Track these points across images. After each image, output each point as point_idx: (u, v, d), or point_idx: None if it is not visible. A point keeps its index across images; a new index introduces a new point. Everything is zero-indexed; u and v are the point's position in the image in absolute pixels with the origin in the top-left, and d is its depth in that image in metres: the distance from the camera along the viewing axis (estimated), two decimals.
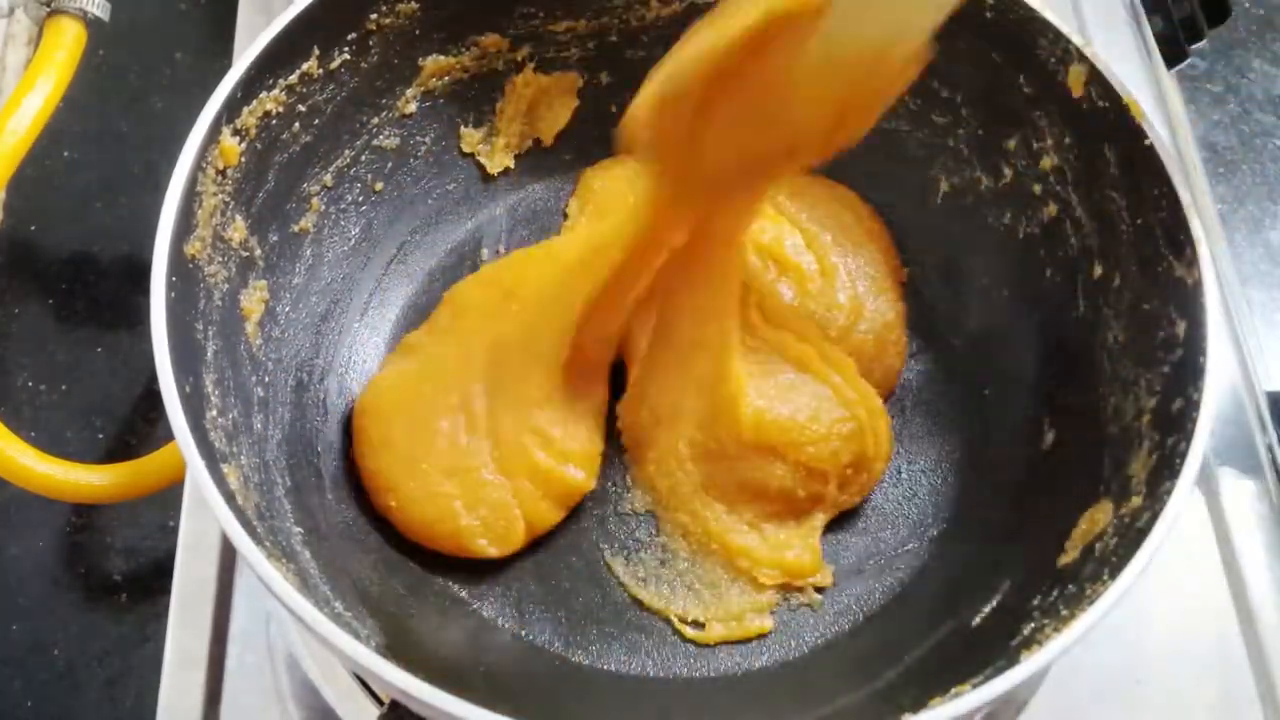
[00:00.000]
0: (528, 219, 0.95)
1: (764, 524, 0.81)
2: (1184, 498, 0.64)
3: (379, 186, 0.88)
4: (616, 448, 0.86)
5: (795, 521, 0.82)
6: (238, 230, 0.75)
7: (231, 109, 0.73)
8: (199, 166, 0.71)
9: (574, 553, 0.82)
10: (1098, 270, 0.78)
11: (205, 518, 0.86)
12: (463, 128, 0.92)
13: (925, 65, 0.76)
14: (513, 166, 0.95)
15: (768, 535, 0.81)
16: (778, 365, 0.83)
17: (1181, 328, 0.70)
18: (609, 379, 0.86)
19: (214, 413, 0.69)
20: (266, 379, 0.78)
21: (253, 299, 0.78)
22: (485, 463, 0.81)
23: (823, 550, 0.82)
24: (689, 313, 0.82)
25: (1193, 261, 0.70)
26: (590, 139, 0.95)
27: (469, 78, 0.89)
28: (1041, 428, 0.81)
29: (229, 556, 0.85)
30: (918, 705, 0.60)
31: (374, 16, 0.81)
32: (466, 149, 0.93)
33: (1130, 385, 0.73)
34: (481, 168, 0.94)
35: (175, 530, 0.87)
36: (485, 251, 0.94)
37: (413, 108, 0.87)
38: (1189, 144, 1.12)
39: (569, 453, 0.82)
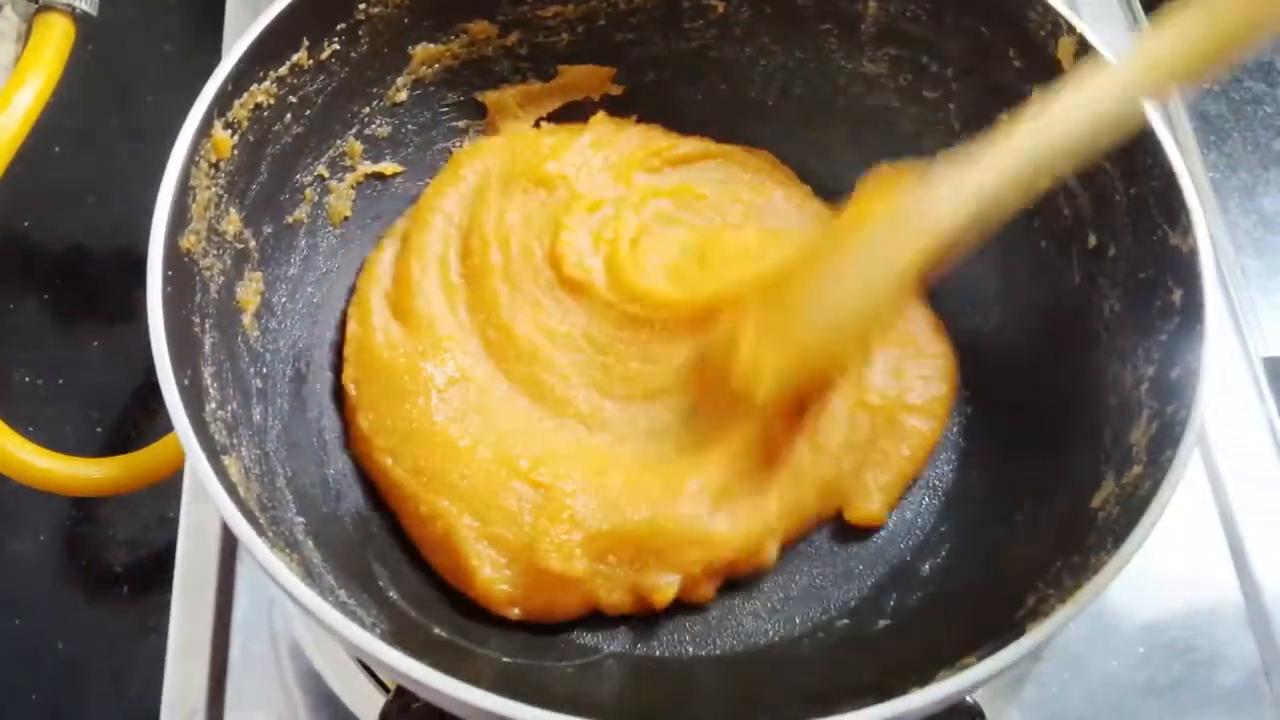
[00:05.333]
0: None
1: None
2: (1184, 465, 0.64)
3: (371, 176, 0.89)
4: None
5: None
6: (232, 223, 0.75)
7: (223, 102, 0.73)
8: (192, 160, 0.71)
9: None
10: (1092, 240, 0.78)
11: (205, 508, 0.87)
12: (455, 114, 0.92)
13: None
14: None
15: None
16: None
17: (1178, 295, 0.70)
18: None
19: (213, 405, 0.69)
20: (264, 370, 0.78)
21: (248, 291, 0.78)
22: None
23: (825, 530, 0.83)
24: None
25: (1188, 229, 0.70)
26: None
27: (459, 65, 0.89)
28: (1040, 399, 0.81)
29: (230, 546, 0.86)
30: (924, 678, 0.61)
31: (363, 6, 0.81)
32: (458, 135, 0.93)
33: (1129, 354, 0.73)
34: None
35: (175, 521, 0.87)
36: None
37: (404, 96, 0.87)
38: (1180, 112, 1.12)
39: None
